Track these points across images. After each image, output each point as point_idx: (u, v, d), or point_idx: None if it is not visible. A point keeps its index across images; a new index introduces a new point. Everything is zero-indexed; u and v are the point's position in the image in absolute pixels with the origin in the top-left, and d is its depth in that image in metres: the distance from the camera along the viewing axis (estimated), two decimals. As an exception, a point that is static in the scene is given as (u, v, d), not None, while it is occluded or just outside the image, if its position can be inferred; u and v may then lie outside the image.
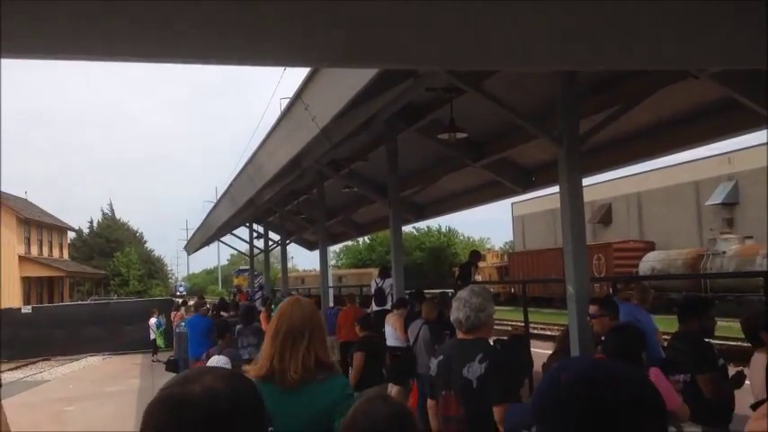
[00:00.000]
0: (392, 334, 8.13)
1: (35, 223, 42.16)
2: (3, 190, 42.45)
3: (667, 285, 23.64)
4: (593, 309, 5.01)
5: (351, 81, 4.49)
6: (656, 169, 32.87)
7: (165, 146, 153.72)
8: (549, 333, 15.94)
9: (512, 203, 46.77)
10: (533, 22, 1.25)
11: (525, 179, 9.14)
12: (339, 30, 1.09)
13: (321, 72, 5.04)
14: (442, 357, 3.64)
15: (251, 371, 2.65)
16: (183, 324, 12.98)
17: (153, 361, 20.45)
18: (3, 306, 29.80)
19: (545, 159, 8.29)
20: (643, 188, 36.44)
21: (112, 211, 63.07)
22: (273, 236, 21.59)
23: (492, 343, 4.14)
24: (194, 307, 12.65)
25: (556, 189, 5.90)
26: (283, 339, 2.62)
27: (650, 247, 31.37)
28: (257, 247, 23.46)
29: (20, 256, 38.98)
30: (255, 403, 1.13)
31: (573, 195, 4.78)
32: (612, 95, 5.81)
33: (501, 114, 6.41)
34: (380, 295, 11.30)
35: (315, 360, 2.61)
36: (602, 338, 4.38)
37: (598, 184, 34.33)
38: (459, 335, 3.56)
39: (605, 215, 39.38)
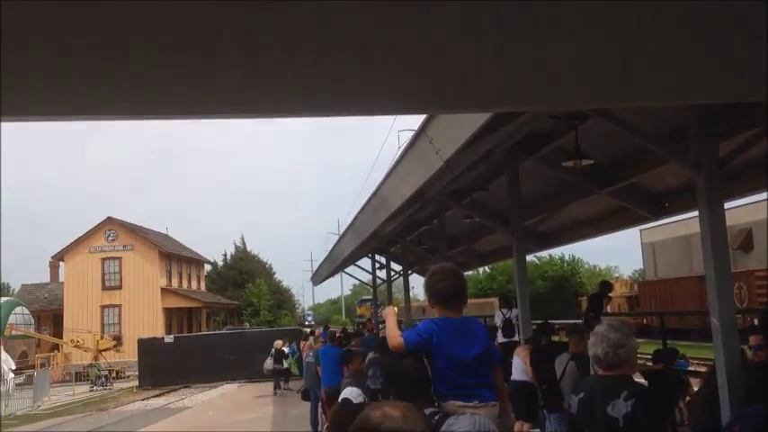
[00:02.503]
0: (521, 367, 7.97)
1: (175, 257, 45.12)
2: (148, 227, 45.90)
3: (823, 316, 21.56)
4: (754, 339, 4.64)
5: (475, 114, 4.56)
6: (803, 190, 30.27)
7: (288, 180, 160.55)
8: (691, 368, 14.98)
9: (640, 230, 44.58)
10: (657, 56, 1.23)
11: (657, 205, 8.74)
12: (455, 74, 1.11)
13: (445, 107, 5.16)
14: (583, 395, 3.54)
15: None
16: (311, 354, 13.37)
17: (283, 389, 21.15)
18: (148, 336, 32.02)
19: (678, 184, 7.92)
20: (788, 211, 33.60)
21: (244, 243, 65.94)
22: (395, 266, 21.87)
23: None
24: (329, 338, 12.86)
25: (689, 214, 5.61)
26: None
27: (798, 274, 28.78)
28: (380, 278, 23.83)
29: (162, 288, 41.79)
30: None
31: (714, 222, 4.53)
32: (751, 117, 5.49)
33: (629, 139, 6.22)
34: (509, 327, 11.13)
35: None
36: None
37: (736, 208, 32.04)
38: (600, 371, 3.47)
39: (745, 241, 36.56)
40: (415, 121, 6.59)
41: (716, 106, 4.74)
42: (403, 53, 1.11)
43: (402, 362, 3.07)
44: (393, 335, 3.30)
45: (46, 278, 48.29)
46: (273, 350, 22.17)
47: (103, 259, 41.79)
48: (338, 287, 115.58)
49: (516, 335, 10.48)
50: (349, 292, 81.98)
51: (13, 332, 34.83)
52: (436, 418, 2.77)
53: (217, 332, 38.38)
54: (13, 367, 28.79)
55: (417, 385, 2.91)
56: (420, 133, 6.04)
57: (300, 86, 1.14)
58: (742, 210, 32.90)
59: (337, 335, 13.36)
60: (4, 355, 28.29)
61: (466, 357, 3.11)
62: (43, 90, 1.04)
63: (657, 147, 5.36)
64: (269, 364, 21.94)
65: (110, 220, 42.87)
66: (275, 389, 21.46)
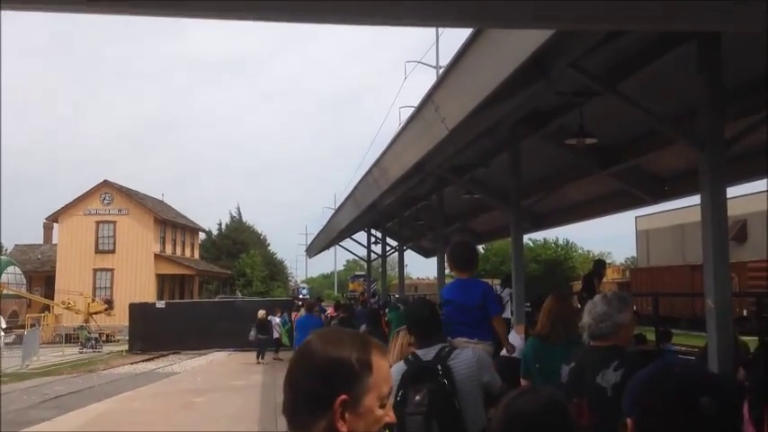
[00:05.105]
0: (518, 343, 8.01)
1: (170, 224, 44.99)
2: (143, 192, 45.73)
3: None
4: None
5: (483, 81, 4.51)
6: (800, 184, 30.29)
7: (287, 153, 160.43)
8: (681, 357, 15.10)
9: (636, 217, 44.66)
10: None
11: (657, 188, 8.73)
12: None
13: (453, 73, 5.09)
14: (573, 364, 3.54)
15: (533, 332, 4.62)
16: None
17: (274, 359, 21.26)
18: (139, 300, 32.04)
19: (680, 167, 7.91)
20: (784, 204, 33.66)
21: (240, 214, 65.83)
22: (390, 241, 21.86)
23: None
24: (306, 307, 13.11)
25: (685, 203, 5.60)
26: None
27: (790, 267, 28.93)
28: (375, 252, 23.85)
29: (155, 254, 41.73)
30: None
31: (715, 204, 4.52)
32: (760, 99, 5.45)
33: (634, 119, 6.19)
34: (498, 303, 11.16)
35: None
36: None
37: (732, 199, 31.98)
38: (592, 342, 3.47)
39: (740, 232, 36.70)
40: (419, 96, 6.55)
41: (726, 85, 4.70)
42: None
43: (420, 310, 3.94)
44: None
45: (39, 239, 48.20)
46: (258, 320, 22.48)
47: (98, 222, 41.67)
48: (332, 262, 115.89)
49: (507, 311, 10.52)
50: (342, 268, 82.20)
51: (5, 291, 34.80)
52: (446, 350, 3.63)
53: (208, 300, 38.46)
54: (4, 326, 28.84)
55: (432, 327, 3.76)
56: (427, 100, 6.00)
57: None
58: (737, 201, 32.93)
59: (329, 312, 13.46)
60: (-5, 314, 28.34)
61: (468, 305, 4.46)
62: None
63: (664, 125, 5.33)
64: (253, 335, 22.29)
65: (105, 183, 42.65)
66: (257, 357, 21.75)
